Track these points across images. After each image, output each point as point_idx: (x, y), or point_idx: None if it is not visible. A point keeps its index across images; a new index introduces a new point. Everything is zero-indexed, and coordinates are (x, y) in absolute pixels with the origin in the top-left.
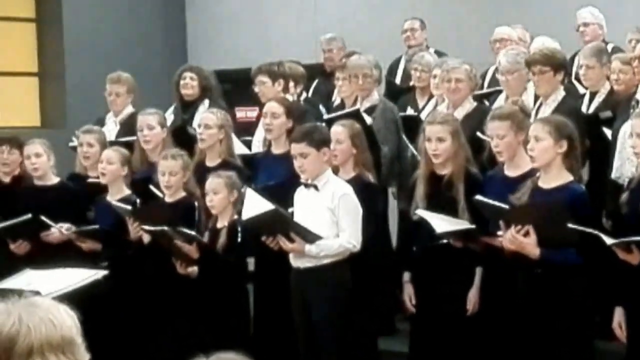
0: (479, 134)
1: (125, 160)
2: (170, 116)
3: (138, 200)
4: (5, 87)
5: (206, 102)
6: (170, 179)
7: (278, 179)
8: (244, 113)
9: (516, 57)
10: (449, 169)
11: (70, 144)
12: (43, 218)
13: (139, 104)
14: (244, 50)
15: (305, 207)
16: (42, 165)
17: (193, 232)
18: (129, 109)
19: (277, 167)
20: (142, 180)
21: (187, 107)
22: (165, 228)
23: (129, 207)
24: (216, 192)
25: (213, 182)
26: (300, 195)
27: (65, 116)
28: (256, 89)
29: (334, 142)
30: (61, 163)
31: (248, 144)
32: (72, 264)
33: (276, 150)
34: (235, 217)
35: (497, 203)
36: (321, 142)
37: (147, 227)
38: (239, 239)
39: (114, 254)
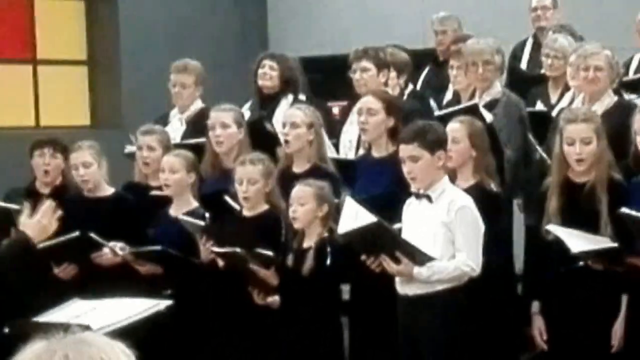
0: None
1: (192, 166)
2: (246, 113)
3: (208, 215)
4: (48, 77)
5: (289, 96)
6: (249, 189)
7: (380, 187)
8: (339, 109)
9: None
10: (590, 176)
11: (126, 150)
12: (93, 236)
13: (210, 98)
14: (338, 34)
15: (416, 222)
16: (92, 176)
17: (270, 254)
18: (198, 104)
19: (378, 174)
20: (214, 191)
21: (267, 102)
22: (237, 250)
23: (200, 223)
24: (302, 203)
25: (300, 190)
26: (410, 207)
27: (120, 114)
28: (355, 76)
29: (449, 142)
30: (116, 170)
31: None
32: (128, 292)
33: (377, 153)
34: (326, 235)
35: None
36: (436, 143)
37: (216, 249)
38: (329, 262)
39: (179, 279)
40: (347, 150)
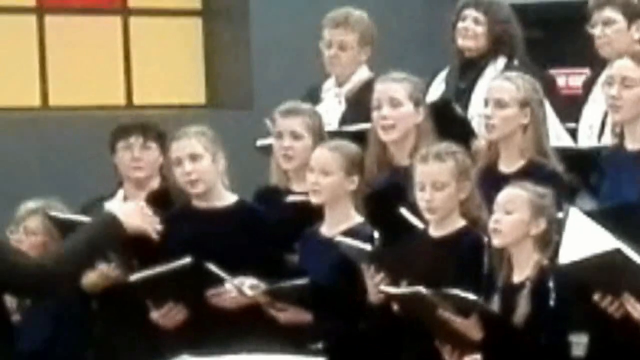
0: None
1: (353, 164)
2: (439, 86)
3: (376, 235)
4: (144, 35)
5: (499, 60)
6: (435, 196)
7: (634, 194)
8: (565, 79)
9: None
10: None
11: (259, 142)
12: (210, 266)
13: (380, 65)
14: None
15: None
16: (203, 175)
17: (472, 296)
18: (363, 73)
19: (631, 175)
20: (382, 197)
21: (468, 70)
22: (422, 290)
23: (366, 247)
24: (510, 211)
25: (509, 194)
26: None
27: (248, 87)
28: (595, 32)
29: None
30: (241, 169)
31: (574, 133)
32: (261, 346)
33: (632, 143)
34: (545, 263)
35: None
36: None
37: (390, 289)
38: (552, 302)
39: (336, 330)
40: (586, 139)
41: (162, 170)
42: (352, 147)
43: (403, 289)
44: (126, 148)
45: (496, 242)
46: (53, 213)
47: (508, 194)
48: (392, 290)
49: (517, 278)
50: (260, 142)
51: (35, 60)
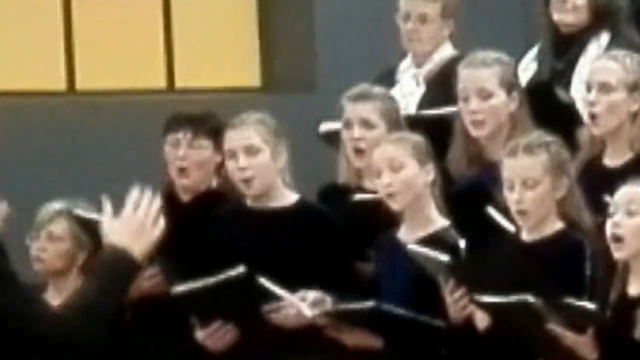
0: None
1: (423, 152)
2: (529, 66)
3: (462, 243)
4: (187, 8)
5: (603, 35)
6: (526, 195)
7: None
8: None
9: None
10: None
11: (323, 128)
12: (264, 282)
13: (465, 41)
14: None
15: None
16: (261, 171)
17: (591, 306)
18: (446, 51)
19: None
20: (468, 196)
21: (566, 48)
22: (529, 298)
23: (443, 257)
24: (632, 212)
25: (631, 193)
26: None
27: (312, 68)
28: None
29: None
30: (304, 164)
31: None
32: None
33: None
34: None
35: None
36: None
37: (487, 299)
38: None
39: (412, 353)
40: None
41: (221, 171)
42: (415, 136)
43: (505, 298)
44: (174, 145)
45: (619, 253)
46: (78, 212)
47: (630, 192)
48: (489, 300)
49: (634, 290)
50: (324, 127)
51: (60, 38)
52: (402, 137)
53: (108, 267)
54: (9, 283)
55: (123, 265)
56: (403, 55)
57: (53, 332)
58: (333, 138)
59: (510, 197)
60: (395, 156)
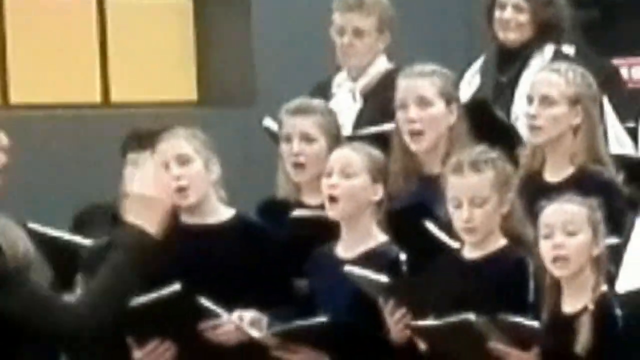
0: None
1: (379, 170)
2: (474, 78)
3: (403, 257)
4: (121, 22)
5: (546, 49)
6: (475, 214)
7: None
8: (627, 71)
9: None
10: None
11: (267, 123)
12: (203, 301)
13: (402, 55)
14: None
15: None
16: (194, 179)
17: (534, 324)
18: (381, 65)
19: None
20: (407, 212)
21: (509, 60)
22: (470, 317)
23: (380, 279)
24: (571, 232)
25: (569, 213)
26: None
27: (248, 81)
28: None
29: None
30: (241, 179)
31: (635, 133)
32: None
33: None
34: (603, 289)
35: None
36: None
37: (424, 323)
38: (619, 332)
39: None
40: None
41: None
42: (377, 152)
43: (446, 320)
44: (134, 164)
45: (562, 272)
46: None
47: (567, 212)
48: (428, 323)
49: (569, 307)
50: (268, 123)
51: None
52: (363, 148)
53: (126, 247)
54: (20, 282)
55: (140, 242)
56: (338, 69)
57: (71, 325)
58: (276, 136)
59: (458, 215)
60: (350, 163)
